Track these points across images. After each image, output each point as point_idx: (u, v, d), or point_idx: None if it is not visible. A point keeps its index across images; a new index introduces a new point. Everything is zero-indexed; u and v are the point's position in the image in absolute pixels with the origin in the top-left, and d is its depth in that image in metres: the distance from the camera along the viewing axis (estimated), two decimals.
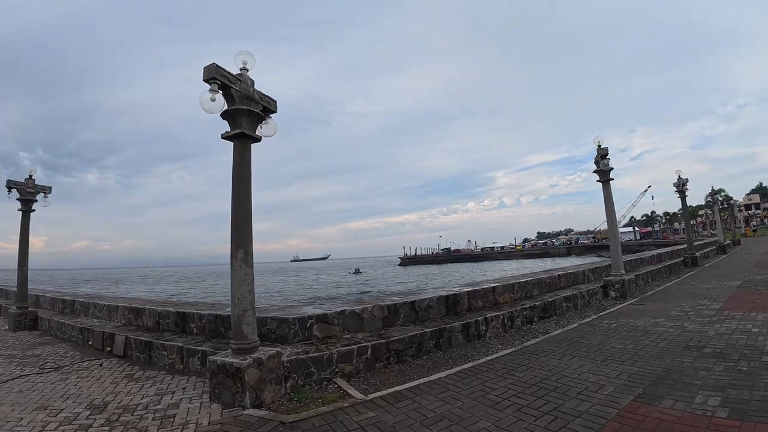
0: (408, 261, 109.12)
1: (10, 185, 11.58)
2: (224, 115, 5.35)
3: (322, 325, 6.37)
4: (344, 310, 6.56)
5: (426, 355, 6.42)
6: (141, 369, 7.13)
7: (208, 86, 4.98)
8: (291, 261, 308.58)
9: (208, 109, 5.06)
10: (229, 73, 5.17)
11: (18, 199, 11.75)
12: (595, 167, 12.19)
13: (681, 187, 21.01)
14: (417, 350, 6.38)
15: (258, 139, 5.62)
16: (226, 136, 5.45)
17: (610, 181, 12.16)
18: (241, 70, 5.42)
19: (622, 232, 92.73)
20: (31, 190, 11.84)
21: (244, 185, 5.45)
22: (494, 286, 8.69)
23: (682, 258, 20.37)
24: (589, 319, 8.81)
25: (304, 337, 6.24)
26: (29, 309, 11.97)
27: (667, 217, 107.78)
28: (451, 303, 7.78)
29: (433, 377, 5.40)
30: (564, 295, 9.67)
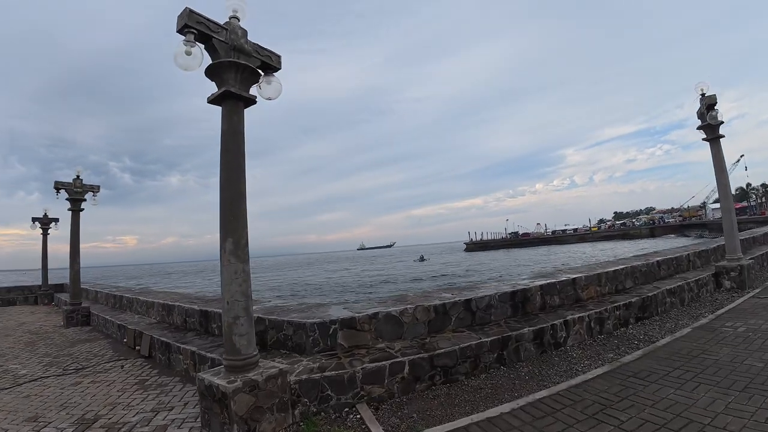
0: (474, 246, 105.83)
1: (58, 186, 11.72)
2: (208, 72, 4.12)
3: (349, 331, 5.03)
4: (377, 313, 5.15)
5: (484, 373, 4.85)
6: (159, 373, 6.45)
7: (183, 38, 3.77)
8: (357, 249, 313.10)
9: (183, 65, 3.82)
10: (208, 19, 3.89)
11: (67, 199, 11.88)
12: (699, 122, 9.71)
13: None
14: (472, 366, 4.83)
15: (252, 101, 4.33)
16: (211, 99, 4.22)
17: (720, 139, 9.63)
18: (230, 18, 4.13)
19: (713, 209, 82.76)
20: (78, 189, 11.92)
21: (234, 158, 4.19)
22: (575, 278, 6.82)
23: None
24: (704, 320, 6.71)
25: (326, 347, 4.95)
26: (82, 305, 11.96)
27: (765, 189, 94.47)
28: (519, 301, 6.09)
29: (492, 412, 3.83)
30: (667, 287, 7.56)
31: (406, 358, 4.55)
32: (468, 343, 4.86)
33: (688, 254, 9.82)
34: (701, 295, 8.53)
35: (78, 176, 12.10)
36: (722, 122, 9.40)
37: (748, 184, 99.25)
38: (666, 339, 5.75)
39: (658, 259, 8.74)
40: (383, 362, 4.45)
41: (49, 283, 19.99)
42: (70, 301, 11.99)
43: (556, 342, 5.53)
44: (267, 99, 4.57)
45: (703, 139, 9.87)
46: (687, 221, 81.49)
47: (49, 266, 19.67)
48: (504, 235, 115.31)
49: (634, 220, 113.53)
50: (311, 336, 4.96)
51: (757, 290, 8.83)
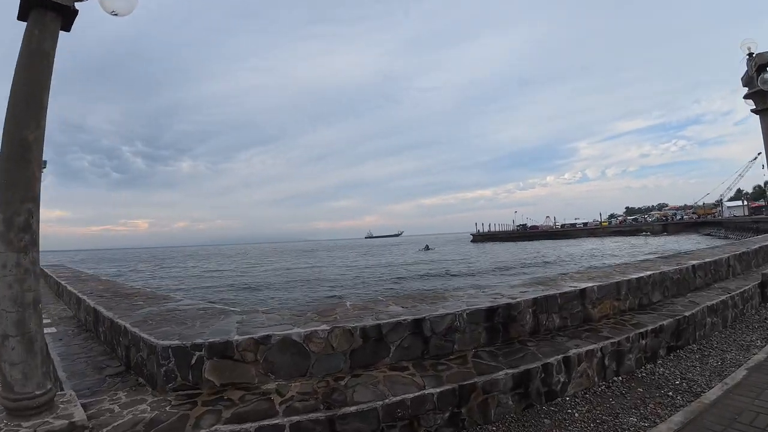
0: (480, 238, 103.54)
1: None
2: None
3: (223, 362, 3.19)
4: (269, 336, 3.29)
5: None
6: None
7: None
8: (365, 238, 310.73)
9: None
10: None
11: None
12: (746, 90, 7.67)
13: None
14: None
15: (70, 11, 2.55)
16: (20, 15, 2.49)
17: None
18: None
19: (729, 207, 79.50)
20: None
21: (31, 91, 2.43)
22: (584, 289, 4.87)
23: None
24: (761, 355, 4.75)
25: (187, 383, 3.13)
26: None
27: None
28: (499, 322, 4.15)
29: None
30: (708, 303, 5.61)
31: (288, 419, 2.70)
32: (402, 397, 2.97)
33: (728, 257, 7.78)
34: (746, 312, 6.58)
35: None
36: None
37: (766, 182, 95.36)
38: (715, 390, 3.79)
39: (694, 263, 6.72)
40: (248, 425, 2.61)
41: None
42: None
43: (549, 390, 3.61)
44: (112, 14, 2.92)
45: (753, 111, 7.83)
46: (701, 219, 78.34)
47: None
48: (512, 228, 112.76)
49: (646, 216, 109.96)
50: (164, 365, 3.14)
51: None
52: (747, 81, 7.60)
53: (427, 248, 74.21)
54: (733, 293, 6.33)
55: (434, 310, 3.93)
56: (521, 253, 46.38)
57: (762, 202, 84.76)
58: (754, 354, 4.87)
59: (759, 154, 75.25)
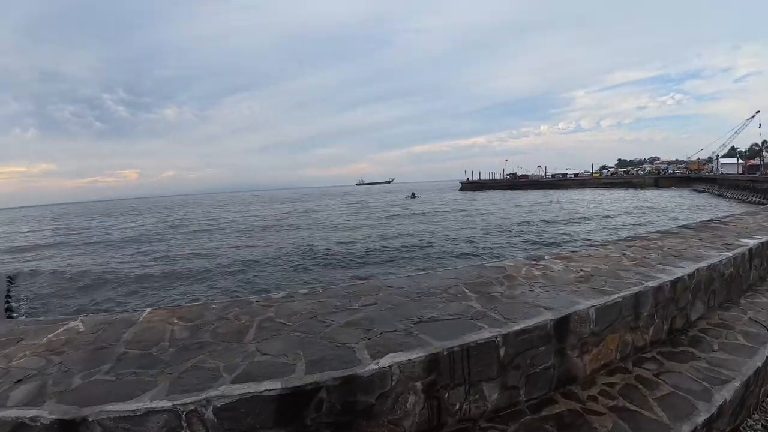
0: (469, 186, 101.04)
1: None
2: None
3: None
4: None
5: None
6: None
7: None
8: (356, 185, 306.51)
9: None
10: None
11: None
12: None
13: None
14: None
15: None
16: None
17: None
18: None
19: (723, 164, 76.97)
20: None
21: None
22: (565, 316, 2.31)
23: None
24: None
25: None
26: None
27: None
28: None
29: None
30: None
31: None
32: None
33: None
34: None
35: None
36: None
37: (765, 141, 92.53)
38: None
39: (750, 244, 4.10)
40: None
41: None
42: None
43: None
44: None
45: None
46: (693, 174, 76.09)
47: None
48: (502, 176, 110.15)
49: (637, 169, 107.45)
50: None
51: None
52: None
53: (413, 196, 72.32)
54: None
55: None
56: (503, 205, 43.69)
57: (757, 161, 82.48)
58: None
59: (757, 112, 72.21)
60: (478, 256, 14.57)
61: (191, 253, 19.07)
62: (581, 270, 3.28)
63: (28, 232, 44.07)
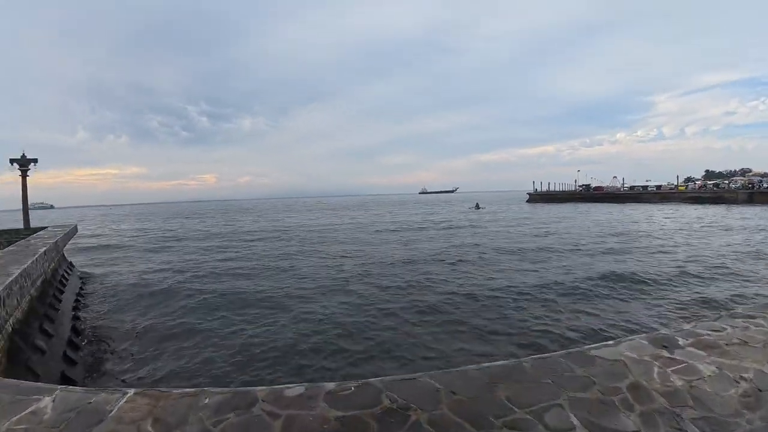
0: (537, 198, 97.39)
1: (13, 161, 14.98)
2: None
3: None
4: None
5: None
6: None
7: None
8: (419, 193, 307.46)
9: None
10: None
11: (19, 168, 15.14)
12: None
13: None
14: None
15: None
16: None
17: None
18: None
19: None
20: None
21: None
22: None
23: None
24: None
25: None
26: None
27: None
28: None
29: None
30: None
31: None
32: None
33: None
34: None
35: (23, 154, 14.73)
36: None
37: None
38: None
39: None
40: None
41: (31, 226, 18.03)
42: None
43: None
44: None
45: None
46: None
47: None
48: (574, 188, 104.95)
49: (727, 182, 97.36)
50: None
51: None
52: None
53: (477, 207, 71.01)
54: None
55: None
56: (581, 221, 41.07)
57: None
58: None
59: None
60: (562, 314, 10.49)
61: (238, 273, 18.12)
62: (741, 377, 2.66)
63: (116, 228, 47.16)
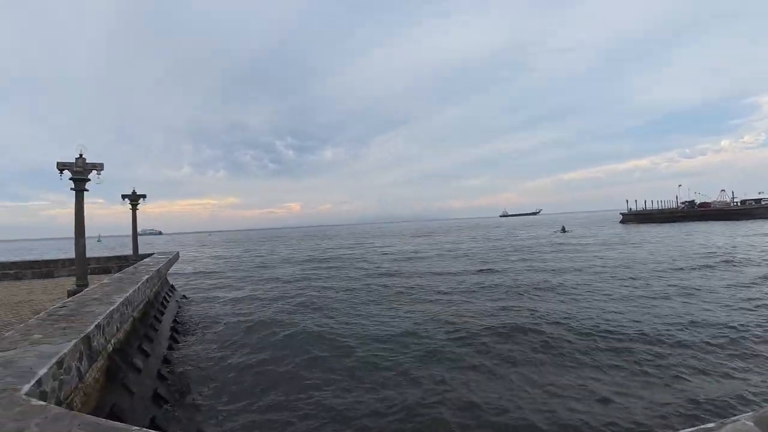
0: (632, 218, 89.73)
1: (61, 167, 10.70)
2: None
3: None
4: None
5: None
6: None
7: None
8: (500, 216, 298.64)
9: None
10: None
11: (70, 179, 10.86)
12: None
13: None
14: None
15: None
16: None
17: None
18: None
19: None
20: (79, 169, 10.78)
21: None
22: None
23: None
24: None
25: None
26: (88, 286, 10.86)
27: None
28: None
29: None
30: None
31: None
32: None
33: None
34: None
35: (81, 155, 10.79)
36: None
37: None
38: None
39: None
40: None
41: (139, 252, 20.39)
42: (77, 283, 11.21)
43: None
44: None
45: None
46: None
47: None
48: (675, 205, 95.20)
49: None
50: None
51: None
52: None
53: (563, 230, 67.09)
54: None
55: None
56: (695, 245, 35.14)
57: None
58: None
59: None
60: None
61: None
62: None
63: (213, 253, 48.67)
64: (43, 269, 18.18)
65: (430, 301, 17.25)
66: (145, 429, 2.50)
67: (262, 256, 49.79)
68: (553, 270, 24.24)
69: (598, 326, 11.97)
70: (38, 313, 6.54)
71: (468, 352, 10.41)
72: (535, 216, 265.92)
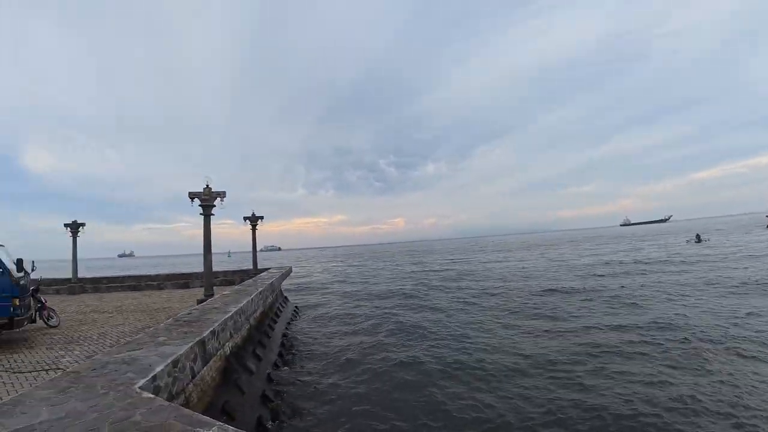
0: None
1: (192, 196, 12.75)
2: None
3: None
4: None
5: None
6: None
7: None
8: (620, 225, 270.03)
9: None
10: None
11: (199, 205, 12.89)
12: None
13: None
14: None
15: None
16: None
17: None
18: None
19: None
20: (206, 197, 12.82)
21: None
22: None
23: None
24: None
25: None
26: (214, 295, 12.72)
27: None
28: None
29: None
30: None
31: None
32: None
33: None
34: None
35: (207, 185, 12.71)
36: None
37: None
38: None
39: None
40: None
41: (258, 267, 22.67)
42: (205, 293, 13.18)
43: None
44: None
45: None
46: None
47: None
48: None
49: None
50: None
51: None
52: None
53: (698, 239, 57.94)
54: None
55: None
56: None
57: None
58: None
59: None
60: None
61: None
62: None
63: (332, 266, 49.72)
64: (181, 281, 21.14)
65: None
66: (227, 426, 2.92)
67: (367, 270, 51.62)
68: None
69: None
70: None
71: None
72: (664, 223, 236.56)
